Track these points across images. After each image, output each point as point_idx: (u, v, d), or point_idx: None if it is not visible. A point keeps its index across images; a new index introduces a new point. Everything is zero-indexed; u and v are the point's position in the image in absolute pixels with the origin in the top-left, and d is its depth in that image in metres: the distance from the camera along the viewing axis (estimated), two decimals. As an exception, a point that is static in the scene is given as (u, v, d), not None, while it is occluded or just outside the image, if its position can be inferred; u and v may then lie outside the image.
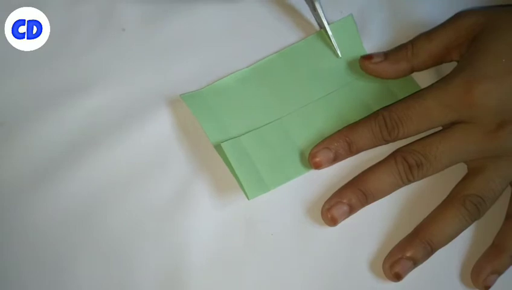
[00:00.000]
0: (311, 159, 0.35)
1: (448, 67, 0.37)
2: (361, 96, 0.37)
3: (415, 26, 0.39)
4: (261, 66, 0.37)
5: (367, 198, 0.34)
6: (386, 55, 0.37)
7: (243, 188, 0.34)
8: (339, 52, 0.38)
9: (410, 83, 0.38)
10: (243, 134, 0.35)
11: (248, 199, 0.33)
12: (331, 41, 0.38)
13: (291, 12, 0.40)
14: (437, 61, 0.37)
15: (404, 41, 0.38)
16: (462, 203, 0.34)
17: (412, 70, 0.37)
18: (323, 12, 0.37)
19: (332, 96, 0.37)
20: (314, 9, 0.38)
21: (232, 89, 0.37)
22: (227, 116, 0.36)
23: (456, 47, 0.37)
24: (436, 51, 0.37)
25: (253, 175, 0.34)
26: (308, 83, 0.37)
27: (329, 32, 0.38)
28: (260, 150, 0.35)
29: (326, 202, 0.35)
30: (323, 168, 0.35)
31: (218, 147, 0.35)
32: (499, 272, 0.35)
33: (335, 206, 0.34)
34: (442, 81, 0.35)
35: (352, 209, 0.34)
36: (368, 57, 0.37)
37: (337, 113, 0.37)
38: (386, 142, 0.35)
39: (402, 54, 0.37)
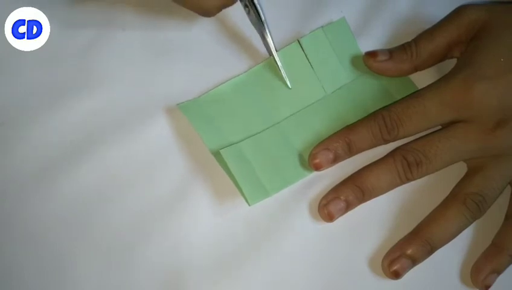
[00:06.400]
0: (311, 161, 0.35)
1: (447, 66, 0.37)
2: (358, 97, 0.37)
3: (415, 26, 0.39)
4: (257, 70, 0.37)
5: (364, 195, 0.34)
6: (391, 54, 0.37)
7: (244, 194, 0.34)
8: (288, 83, 0.37)
9: (407, 83, 0.38)
10: (242, 140, 0.35)
11: (249, 205, 0.33)
12: (280, 70, 0.36)
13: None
14: (439, 59, 0.37)
15: (405, 41, 0.38)
16: (463, 202, 0.34)
17: (415, 70, 0.37)
18: (272, 41, 0.36)
19: (330, 98, 0.37)
20: (263, 38, 0.36)
21: (228, 96, 0.36)
22: (224, 123, 0.36)
23: (458, 44, 0.37)
24: (438, 50, 0.37)
25: (254, 181, 0.34)
26: (305, 86, 0.37)
27: (279, 63, 0.36)
28: (259, 155, 0.35)
29: (323, 198, 0.35)
30: (323, 169, 0.35)
31: (217, 154, 0.35)
32: (499, 272, 0.35)
33: (332, 202, 0.34)
34: (441, 81, 0.35)
35: (349, 206, 0.34)
36: (372, 54, 0.37)
37: (335, 115, 0.36)
38: (386, 142, 0.35)
39: (406, 55, 0.37)
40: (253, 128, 0.36)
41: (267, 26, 0.36)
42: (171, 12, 0.38)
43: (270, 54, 0.36)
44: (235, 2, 0.35)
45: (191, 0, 0.33)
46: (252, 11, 0.35)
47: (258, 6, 0.35)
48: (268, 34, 0.36)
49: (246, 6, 0.36)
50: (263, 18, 0.35)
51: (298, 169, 0.35)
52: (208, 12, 0.34)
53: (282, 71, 0.36)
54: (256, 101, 0.37)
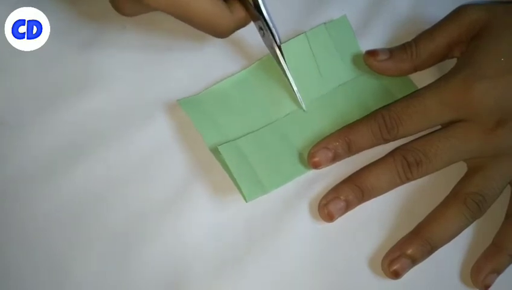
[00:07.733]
0: (310, 159, 0.35)
1: (447, 66, 0.37)
2: (358, 96, 0.37)
3: (415, 26, 0.39)
4: (257, 67, 0.37)
5: (364, 195, 0.34)
6: (391, 53, 0.37)
7: (241, 190, 0.34)
8: (303, 106, 0.36)
9: (407, 82, 0.38)
10: (240, 137, 0.35)
11: (246, 201, 0.33)
12: (294, 93, 0.36)
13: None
14: (439, 59, 0.37)
15: (405, 41, 0.38)
16: (463, 202, 0.34)
17: (415, 70, 0.38)
18: (286, 64, 0.36)
19: (330, 96, 0.37)
20: (278, 60, 0.36)
21: (228, 92, 0.36)
22: (223, 120, 0.36)
23: (458, 44, 0.37)
24: (438, 50, 0.37)
25: (251, 177, 0.34)
26: (305, 84, 0.37)
27: (294, 88, 0.36)
28: (257, 152, 0.35)
29: (323, 198, 0.35)
30: (321, 168, 0.35)
31: (215, 151, 0.35)
32: (499, 271, 0.35)
33: (332, 202, 0.34)
34: (441, 80, 0.35)
35: (349, 206, 0.34)
36: (373, 53, 0.37)
37: (334, 114, 0.36)
38: (386, 141, 0.35)
39: (406, 54, 0.37)
40: (253, 125, 0.36)
41: (282, 50, 0.36)
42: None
43: (284, 72, 0.36)
44: (248, 24, 0.35)
45: (204, 24, 0.33)
46: (266, 34, 0.35)
47: (273, 30, 0.35)
48: (281, 58, 0.36)
49: (260, 28, 0.35)
50: (278, 42, 0.35)
51: (296, 166, 0.35)
52: (221, 35, 0.34)
53: (294, 88, 0.36)
54: (256, 97, 0.37)
